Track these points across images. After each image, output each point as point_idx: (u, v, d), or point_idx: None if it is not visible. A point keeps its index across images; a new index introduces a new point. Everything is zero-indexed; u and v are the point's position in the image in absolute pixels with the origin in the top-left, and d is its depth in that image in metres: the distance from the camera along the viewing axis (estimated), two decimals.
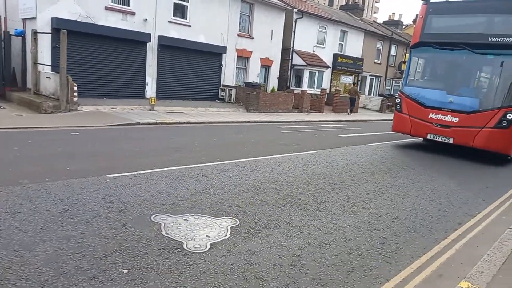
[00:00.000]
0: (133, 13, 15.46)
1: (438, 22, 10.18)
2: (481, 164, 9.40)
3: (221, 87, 19.58)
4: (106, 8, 14.64)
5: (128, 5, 15.38)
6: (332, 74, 26.94)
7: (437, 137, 9.90)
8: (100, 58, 14.89)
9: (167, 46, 16.80)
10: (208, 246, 3.61)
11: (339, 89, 24.88)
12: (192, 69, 18.23)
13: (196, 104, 16.90)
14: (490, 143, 9.12)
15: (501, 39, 8.89)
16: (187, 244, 3.63)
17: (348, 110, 22.81)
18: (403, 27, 42.07)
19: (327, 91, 24.26)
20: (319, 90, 23.03)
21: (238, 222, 4.25)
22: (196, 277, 3.06)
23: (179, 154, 7.41)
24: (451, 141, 9.65)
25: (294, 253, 3.64)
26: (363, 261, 3.62)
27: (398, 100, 10.99)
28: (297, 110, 20.36)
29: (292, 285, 3.07)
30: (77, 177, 5.30)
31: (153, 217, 4.17)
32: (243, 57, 20.71)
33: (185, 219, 4.21)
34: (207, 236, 3.84)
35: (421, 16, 10.33)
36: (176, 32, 17.04)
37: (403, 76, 11.21)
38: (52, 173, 5.43)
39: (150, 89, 16.73)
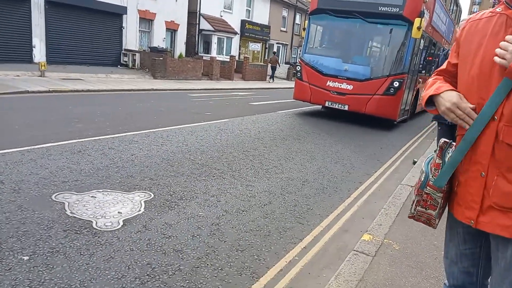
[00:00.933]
0: None
1: None
2: (374, 128, 10.41)
3: (123, 51, 18.17)
4: None
5: None
6: (240, 41, 26.87)
7: (334, 104, 10.31)
8: None
9: (57, 3, 14.84)
10: (121, 223, 3.40)
11: (248, 56, 25.01)
12: (89, 30, 16.49)
13: (96, 70, 15.48)
14: (380, 109, 9.80)
15: (389, 8, 9.48)
16: (96, 222, 3.37)
17: (271, 79, 24.55)
18: None
19: (236, 58, 24.22)
20: (228, 57, 22.87)
21: (152, 195, 4.07)
22: (110, 256, 2.87)
23: (80, 126, 6.75)
24: (346, 108, 10.14)
25: (212, 222, 3.63)
26: (278, 224, 3.78)
27: (298, 68, 11.16)
28: (207, 77, 20.01)
29: (212, 254, 3.08)
30: None
31: (55, 196, 3.76)
32: (147, 19, 19.38)
33: (92, 196, 3.88)
34: (118, 212, 3.61)
35: None
36: None
37: (303, 43, 11.39)
38: None
39: (39, 53, 14.76)
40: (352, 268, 2.96)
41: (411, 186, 5.11)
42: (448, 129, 4.51)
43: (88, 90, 11.56)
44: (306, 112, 12.18)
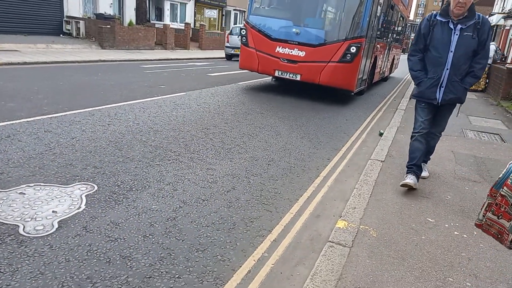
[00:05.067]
0: None
1: None
2: (338, 99, 10.11)
3: (65, 19, 16.49)
4: None
5: None
6: (195, 7, 25.45)
7: (285, 74, 9.06)
8: None
9: None
10: (56, 225, 2.83)
11: (204, 24, 23.77)
12: None
13: (35, 40, 13.95)
14: (336, 79, 8.70)
15: None
16: (24, 227, 2.77)
17: None
18: None
19: (192, 26, 22.94)
20: (183, 24, 21.58)
21: (96, 187, 3.49)
22: (39, 271, 2.33)
23: (12, 105, 5.86)
24: (298, 77, 8.94)
25: (167, 217, 3.14)
26: (244, 214, 3.36)
27: (243, 32, 9.54)
28: (160, 46, 18.81)
29: (168, 258, 2.61)
30: None
31: None
32: None
33: (20, 193, 3.24)
34: (53, 211, 3.01)
35: None
36: None
37: (248, 3, 9.73)
38: None
39: None
40: (329, 264, 2.62)
41: (381, 161, 4.87)
42: (430, 107, 3.99)
43: (25, 63, 10.31)
44: (268, 83, 11.68)
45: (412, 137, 4.12)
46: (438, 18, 3.71)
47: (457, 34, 3.62)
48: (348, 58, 8.52)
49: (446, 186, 4.29)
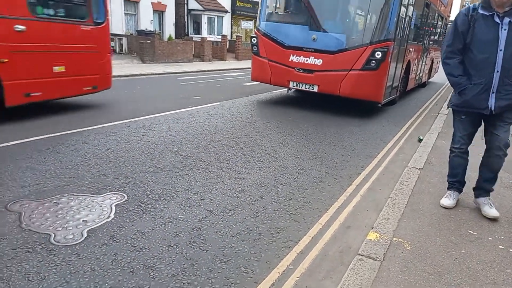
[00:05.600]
0: None
1: None
2: (375, 104, 9.74)
3: None
4: None
5: None
6: (232, 19, 25.95)
7: (300, 85, 8.16)
8: None
9: None
10: (85, 235, 2.90)
11: (240, 35, 24.14)
12: None
13: None
14: (358, 89, 7.64)
15: None
16: (55, 236, 2.86)
17: None
18: None
19: (228, 37, 23.37)
20: (220, 37, 22.03)
21: (126, 197, 3.55)
22: (65, 280, 2.38)
23: (54, 119, 6.18)
24: (315, 89, 8.01)
25: (193, 227, 3.12)
26: (270, 224, 3.27)
27: (254, 40, 8.68)
28: (198, 59, 19.27)
29: (190, 268, 2.58)
30: None
31: (10, 205, 3.25)
32: (131, 1, 18.49)
33: (54, 203, 3.36)
34: (83, 221, 3.09)
35: None
36: None
37: (259, 9, 8.91)
38: None
39: None
40: (357, 279, 2.46)
41: (419, 169, 4.60)
42: (474, 119, 3.43)
43: None
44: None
45: (451, 151, 3.61)
46: (480, 11, 3.15)
47: (505, 29, 3.06)
48: (372, 65, 7.47)
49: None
